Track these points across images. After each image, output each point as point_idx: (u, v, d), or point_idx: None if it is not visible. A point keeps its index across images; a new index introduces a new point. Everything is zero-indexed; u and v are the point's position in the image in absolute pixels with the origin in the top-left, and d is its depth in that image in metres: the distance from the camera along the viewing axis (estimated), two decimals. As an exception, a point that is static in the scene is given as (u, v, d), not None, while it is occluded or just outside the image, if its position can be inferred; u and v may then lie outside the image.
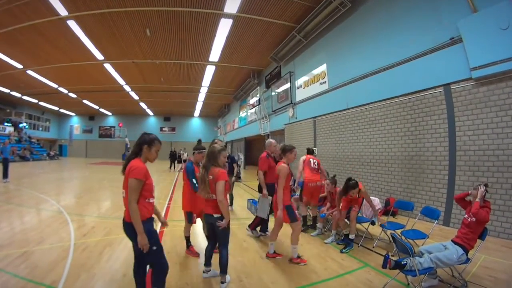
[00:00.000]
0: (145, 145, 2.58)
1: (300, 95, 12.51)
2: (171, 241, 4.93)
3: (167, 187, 12.04)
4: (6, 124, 28.09)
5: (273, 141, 5.46)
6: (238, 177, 15.06)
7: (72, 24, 10.83)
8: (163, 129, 37.75)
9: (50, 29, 11.40)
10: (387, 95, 7.46)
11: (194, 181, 3.95)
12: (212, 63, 15.51)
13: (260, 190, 5.16)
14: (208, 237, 3.67)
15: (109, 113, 35.84)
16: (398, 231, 4.40)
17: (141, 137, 2.64)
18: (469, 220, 3.23)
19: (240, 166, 16.82)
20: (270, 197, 4.89)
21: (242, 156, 21.93)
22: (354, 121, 8.83)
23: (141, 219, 2.40)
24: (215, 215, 3.19)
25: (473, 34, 5.17)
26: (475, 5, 5.14)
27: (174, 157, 20.63)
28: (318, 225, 5.64)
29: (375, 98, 7.88)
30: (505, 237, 4.81)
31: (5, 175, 11.47)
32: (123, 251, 4.22)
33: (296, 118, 12.79)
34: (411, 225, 4.64)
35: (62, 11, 9.91)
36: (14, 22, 10.78)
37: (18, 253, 3.96)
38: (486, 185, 3.27)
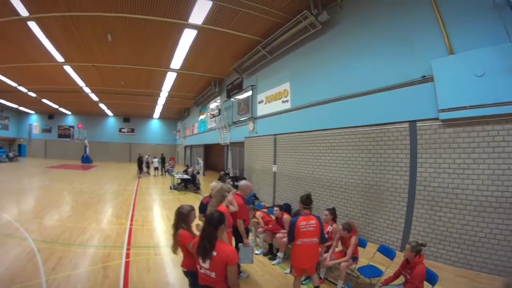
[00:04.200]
0: (221, 225, 2.52)
1: (261, 110, 11.87)
2: (137, 274, 4.45)
3: (127, 201, 10.63)
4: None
5: (249, 184, 4.84)
6: (197, 188, 13.97)
7: (32, 25, 9.75)
8: (122, 130, 35.20)
9: (11, 29, 10.23)
10: (350, 123, 7.09)
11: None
12: (174, 70, 14.65)
13: (237, 237, 4.46)
14: None
15: (69, 113, 32.76)
16: (354, 266, 4.53)
17: (211, 219, 2.49)
18: (408, 277, 3.42)
19: (199, 174, 15.88)
20: (252, 245, 4.48)
21: (201, 161, 20.88)
22: (315, 144, 8.40)
23: None
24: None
25: (446, 75, 4.91)
26: (452, 47, 4.89)
27: (141, 162, 19.40)
28: (279, 254, 5.24)
29: (338, 125, 7.48)
30: (459, 266, 4.88)
31: None
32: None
33: (256, 132, 12.12)
34: (372, 253, 4.59)
35: (23, 12, 8.82)
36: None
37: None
38: (423, 245, 3.47)
